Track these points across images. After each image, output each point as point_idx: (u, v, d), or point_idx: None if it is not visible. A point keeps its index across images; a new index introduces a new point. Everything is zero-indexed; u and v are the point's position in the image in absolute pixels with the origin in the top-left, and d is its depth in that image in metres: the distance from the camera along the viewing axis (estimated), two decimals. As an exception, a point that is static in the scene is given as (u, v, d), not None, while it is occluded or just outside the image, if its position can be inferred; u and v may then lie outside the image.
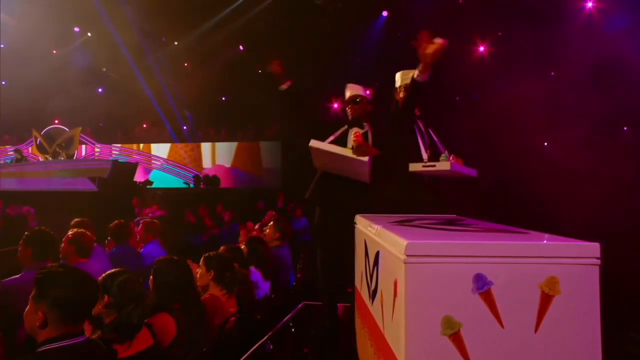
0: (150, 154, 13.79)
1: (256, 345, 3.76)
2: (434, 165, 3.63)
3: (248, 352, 3.61)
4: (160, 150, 13.72)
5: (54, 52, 16.15)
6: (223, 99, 15.81)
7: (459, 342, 2.00)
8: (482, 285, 2.01)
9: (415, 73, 3.66)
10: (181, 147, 13.62)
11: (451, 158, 3.54)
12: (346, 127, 3.91)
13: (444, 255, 2.06)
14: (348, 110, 3.99)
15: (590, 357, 1.98)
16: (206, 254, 3.56)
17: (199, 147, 13.62)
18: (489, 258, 2.05)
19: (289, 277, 5.02)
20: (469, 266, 2.02)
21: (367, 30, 14.56)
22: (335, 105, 15.01)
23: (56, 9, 13.15)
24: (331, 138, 3.80)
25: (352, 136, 3.72)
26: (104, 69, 15.71)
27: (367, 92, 3.99)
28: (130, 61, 14.03)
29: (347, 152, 3.52)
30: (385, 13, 14.41)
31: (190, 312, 2.92)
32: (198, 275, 3.46)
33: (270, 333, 3.98)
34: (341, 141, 3.80)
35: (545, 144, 10.24)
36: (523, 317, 1.99)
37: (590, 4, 10.50)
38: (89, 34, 15.74)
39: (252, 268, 4.23)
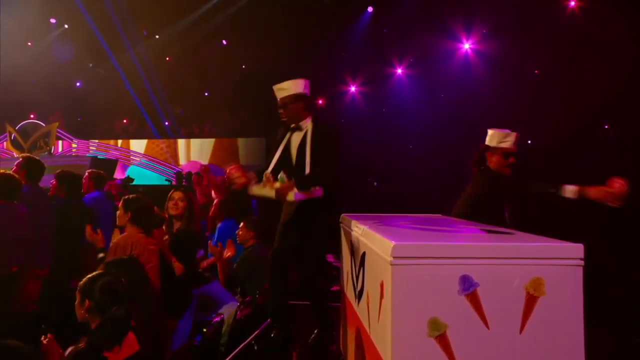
0: (129, 149, 13.60)
1: (242, 345, 3.76)
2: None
3: (233, 353, 3.62)
4: (138, 146, 13.54)
5: (29, 44, 15.80)
6: (206, 94, 15.69)
7: (445, 344, 2.03)
8: (468, 286, 2.04)
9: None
10: (160, 142, 13.46)
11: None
12: (289, 134, 3.71)
13: (430, 257, 2.09)
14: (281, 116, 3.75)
15: (574, 357, 2.03)
16: (125, 197, 3.57)
17: (175, 143, 13.46)
18: (474, 260, 2.08)
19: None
20: (455, 268, 2.05)
21: (353, 25, 14.58)
22: (320, 102, 15.02)
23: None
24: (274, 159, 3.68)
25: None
26: (91, 65, 15.40)
27: (299, 87, 3.63)
28: (110, 54, 13.83)
29: (269, 192, 3.33)
30: (370, 9, 14.44)
31: (146, 305, 2.93)
32: (117, 216, 3.54)
33: (255, 332, 3.98)
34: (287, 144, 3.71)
35: (529, 142, 10.40)
36: (508, 318, 2.03)
37: (573, 3, 10.68)
38: (66, 26, 15.45)
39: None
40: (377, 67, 14.59)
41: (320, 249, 3.70)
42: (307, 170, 3.49)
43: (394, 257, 2.06)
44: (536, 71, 11.35)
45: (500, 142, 3.77)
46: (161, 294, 3.31)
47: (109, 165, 11.49)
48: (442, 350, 2.03)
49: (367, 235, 2.68)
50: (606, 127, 10.59)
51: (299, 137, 3.64)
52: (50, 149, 12.68)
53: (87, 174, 5.31)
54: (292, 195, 3.26)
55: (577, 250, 2.06)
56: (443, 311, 2.03)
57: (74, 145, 14.16)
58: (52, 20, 15.39)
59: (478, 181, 3.87)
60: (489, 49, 11.89)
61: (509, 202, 3.83)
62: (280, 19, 13.89)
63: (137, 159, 13.53)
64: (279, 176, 3.44)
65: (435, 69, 12.96)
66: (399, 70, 14.64)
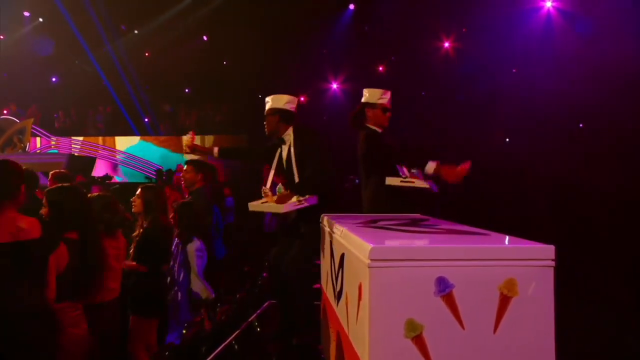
0: (115, 148, 13.35)
1: (223, 345, 3.77)
2: (413, 182, 3.89)
3: (215, 353, 3.63)
4: (123, 143, 13.30)
5: (0, 37, 15.41)
6: (187, 90, 15.55)
7: (421, 345, 2.08)
8: (444, 288, 2.09)
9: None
10: (154, 138, 13.18)
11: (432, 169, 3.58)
12: (279, 149, 3.89)
13: (407, 259, 2.13)
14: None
15: (545, 355, 2.09)
16: (89, 195, 3.48)
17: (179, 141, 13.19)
18: (450, 261, 2.13)
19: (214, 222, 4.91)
20: (431, 270, 2.09)
21: (334, 23, 14.59)
22: (302, 99, 15.01)
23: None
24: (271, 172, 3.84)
25: None
26: (77, 62, 15.04)
27: (279, 102, 3.82)
28: (86, 49, 13.56)
29: (275, 207, 3.53)
30: (352, 6, 14.47)
31: (90, 246, 2.91)
32: None
33: (237, 332, 4.00)
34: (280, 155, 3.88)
35: (507, 139, 10.58)
36: (483, 318, 2.08)
37: (549, 4, 10.87)
38: (40, 20, 15.12)
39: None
40: (358, 64, 14.63)
41: (310, 249, 3.78)
42: (297, 179, 3.64)
43: (371, 260, 2.10)
44: (514, 69, 11.53)
45: (379, 99, 4.03)
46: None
47: (87, 163, 11.31)
48: (419, 351, 2.07)
49: (345, 236, 2.71)
50: (580, 125, 10.83)
51: (286, 149, 3.82)
52: (25, 146, 12.40)
53: (50, 174, 5.12)
54: (281, 208, 3.41)
55: (548, 251, 2.13)
56: (419, 312, 2.08)
57: (52, 142, 13.85)
58: (26, 14, 15.04)
59: (361, 144, 4.06)
60: (468, 46, 12.02)
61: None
62: (261, 14, 13.83)
63: (120, 156, 13.30)
64: (277, 188, 3.66)
65: (415, 67, 13.06)
66: (380, 68, 14.72)
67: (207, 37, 15.43)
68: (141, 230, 3.80)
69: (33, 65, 14.78)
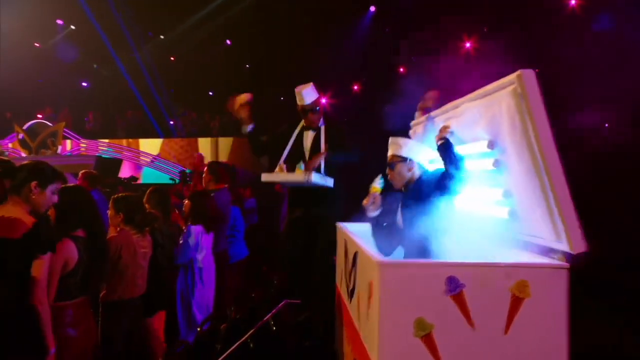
0: (139, 150, 13.56)
1: (238, 343, 3.78)
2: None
3: (229, 350, 3.63)
4: (149, 146, 13.51)
5: (37, 45, 15.86)
6: (210, 93, 15.71)
7: (431, 344, 2.04)
8: (454, 287, 2.05)
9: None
10: (179, 140, 13.35)
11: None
12: (302, 125, 4.09)
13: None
14: (304, 116, 4.09)
15: (558, 358, 2.03)
16: (114, 196, 3.57)
17: (195, 143, 13.33)
18: (461, 261, 2.09)
19: (228, 225, 4.93)
20: (441, 269, 2.06)
21: (355, 25, 14.55)
22: (324, 100, 14.99)
23: (38, 0, 12.98)
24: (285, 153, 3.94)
25: None
26: (95, 66, 15.43)
27: (323, 99, 4.20)
28: (114, 55, 13.86)
29: (294, 176, 3.69)
30: (372, 8, 14.41)
31: (95, 243, 2.94)
32: (109, 216, 3.52)
33: (252, 331, 4.00)
34: (299, 140, 4.05)
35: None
36: (493, 319, 2.04)
37: (573, 2, 10.62)
38: (72, 27, 15.50)
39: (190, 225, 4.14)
40: (379, 66, 14.55)
41: (326, 250, 3.83)
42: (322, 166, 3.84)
43: (379, 259, 2.09)
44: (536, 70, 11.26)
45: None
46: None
47: (114, 164, 11.52)
48: (428, 350, 2.04)
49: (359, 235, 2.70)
50: (606, 125, 10.52)
51: (312, 135, 4.03)
52: (57, 149, 12.72)
53: (81, 174, 5.24)
54: (310, 175, 3.60)
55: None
56: (429, 311, 2.04)
57: (82, 145, 14.16)
58: (59, 22, 15.44)
59: None
60: (489, 47, 11.82)
61: None
62: (283, 19, 13.89)
63: (148, 159, 13.50)
64: (297, 165, 3.82)
65: (436, 67, 12.90)
66: (401, 69, 14.61)
67: (230, 41, 15.57)
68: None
69: (65, 71, 15.15)
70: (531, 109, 1.97)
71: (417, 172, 2.78)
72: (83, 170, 5.86)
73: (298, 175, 3.67)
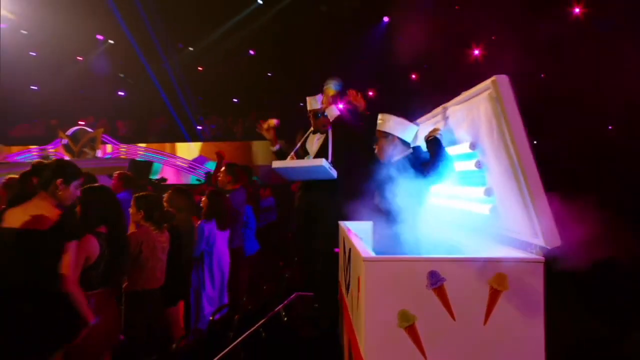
0: (175, 155, 13.75)
1: (248, 332, 3.81)
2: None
3: (238, 340, 3.66)
4: (183, 150, 13.69)
5: (79, 59, 16.30)
6: (235, 100, 15.86)
7: (414, 334, 2.04)
8: (435, 281, 2.04)
9: None
10: (215, 144, 13.39)
11: None
12: (311, 130, 4.14)
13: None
14: (311, 120, 4.17)
15: (535, 347, 2.00)
16: (136, 195, 3.65)
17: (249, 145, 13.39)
18: (442, 256, 2.08)
19: (243, 222, 4.97)
20: (423, 264, 2.05)
21: (369, 34, 14.50)
22: (341, 106, 14.96)
23: (79, 17, 13.34)
24: (297, 147, 4.06)
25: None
26: (121, 75, 15.82)
27: (340, 104, 4.16)
28: (146, 67, 14.13)
29: (304, 162, 3.71)
30: (386, 19, 14.34)
31: (116, 239, 3.00)
32: (131, 213, 3.59)
33: (262, 321, 4.03)
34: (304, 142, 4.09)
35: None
36: (473, 310, 2.02)
37: (577, 10, 10.37)
38: (111, 42, 15.87)
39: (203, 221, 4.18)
40: (394, 74, 14.47)
41: (328, 243, 3.83)
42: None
43: (364, 255, 2.09)
44: (542, 75, 11.07)
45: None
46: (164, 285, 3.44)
47: (146, 166, 11.75)
48: (411, 340, 2.04)
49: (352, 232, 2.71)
50: (610, 127, 10.25)
51: (320, 137, 4.10)
52: (96, 153, 13.05)
53: (116, 174, 5.35)
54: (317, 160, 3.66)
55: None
56: (412, 304, 2.04)
57: (122, 149, 14.45)
58: (99, 37, 15.83)
59: None
60: (497, 54, 11.64)
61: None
62: (302, 30, 13.96)
63: (182, 163, 13.69)
64: (306, 157, 3.94)
65: (445, 75, 12.78)
66: (413, 76, 14.51)
67: (253, 51, 15.70)
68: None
69: (104, 82, 15.53)
70: (506, 112, 1.94)
71: (403, 150, 2.72)
72: (117, 172, 5.98)
73: (308, 161, 3.71)
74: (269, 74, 15.84)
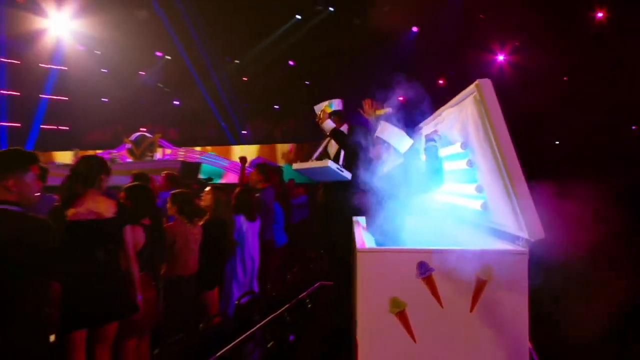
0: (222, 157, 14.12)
1: (273, 315, 3.89)
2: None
3: (264, 321, 3.74)
4: (230, 152, 14.04)
5: (141, 73, 17.05)
6: (276, 107, 16.14)
7: (404, 319, 2.04)
8: (424, 271, 2.03)
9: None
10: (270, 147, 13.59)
11: None
12: (328, 138, 4.10)
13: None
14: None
15: (519, 334, 1.96)
16: (173, 192, 3.78)
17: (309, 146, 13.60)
18: (430, 248, 2.07)
19: (273, 217, 4.99)
20: (413, 255, 2.05)
21: (400, 44, 14.38)
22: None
23: (142, 38, 14.05)
24: (319, 150, 4.02)
25: None
26: (160, 85, 16.45)
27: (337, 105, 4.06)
28: (196, 79, 14.66)
29: (316, 163, 3.74)
30: (415, 29, 14.17)
31: (156, 231, 3.20)
32: (167, 208, 3.74)
33: (287, 305, 4.10)
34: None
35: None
36: (460, 298, 2.00)
37: (600, 14, 9.85)
38: (168, 57, 16.53)
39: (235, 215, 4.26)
40: (423, 81, 14.25)
41: (343, 237, 3.84)
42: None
43: (360, 246, 2.11)
44: (565, 77, 10.60)
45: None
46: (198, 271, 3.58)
47: (195, 167, 12.15)
48: (402, 325, 2.04)
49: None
50: (633, 127, 9.67)
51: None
52: (153, 155, 13.62)
53: (163, 175, 5.48)
54: (327, 162, 3.63)
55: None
56: (402, 292, 2.04)
57: (180, 152, 14.96)
58: (158, 54, 16.51)
59: None
60: (521, 59, 11.24)
61: None
62: (337, 42, 14.01)
63: (223, 162, 14.05)
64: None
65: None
66: (440, 82, 14.26)
67: (293, 62, 15.91)
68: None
69: (161, 93, 16.21)
70: (489, 114, 1.91)
71: (395, 158, 2.66)
72: (164, 172, 6.16)
73: (318, 163, 3.73)
74: (307, 83, 16.02)
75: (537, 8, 10.11)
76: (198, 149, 14.71)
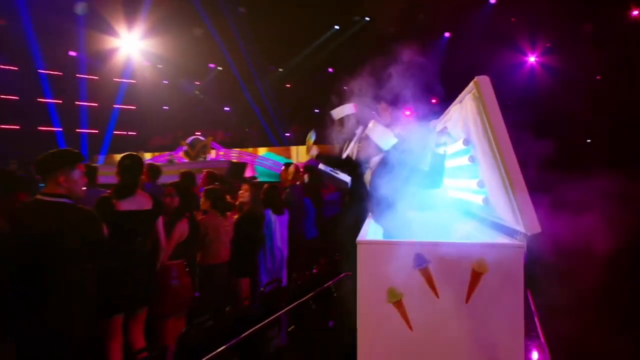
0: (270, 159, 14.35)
1: (299, 301, 3.86)
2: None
3: (291, 305, 3.72)
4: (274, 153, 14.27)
5: (197, 83, 17.64)
6: (316, 111, 16.18)
7: (401, 309, 1.96)
8: (420, 263, 1.95)
9: None
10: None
11: None
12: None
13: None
14: None
15: (514, 325, 1.83)
16: (207, 188, 3.87)
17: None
18: (427, 241, 1.98)
19: (302, 212, 4.98)
20: (410, 247, 1.96)
21: (433, 49, 13.99)
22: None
23: (197, 51, 14.59)
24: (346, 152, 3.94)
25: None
26: (196, 92, 16.94)
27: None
28: (243, 87, 14.98)
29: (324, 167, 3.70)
30: (447, 34, 13.72)
31: (193, 224, 3.34)
32: (201, 203, 3.82)
33: (312, 293, 4.06)
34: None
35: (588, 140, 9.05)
36: (456, 290, 1.90)
37: (636, 12, 9.05)
38: (220, 68, 17.01)
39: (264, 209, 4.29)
40: (456, 85, 13.81)
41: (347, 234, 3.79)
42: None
43: (359, 238, 2.05)
44: (598, 77, 9.85)
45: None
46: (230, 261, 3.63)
47: (241, 167, 12.40)
48: (399, 314, 1.96)
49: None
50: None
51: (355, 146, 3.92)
52: (206, 156, 14.07)
53: (204, 172, 5.63)
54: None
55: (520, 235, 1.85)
56: (400, 282, 1.97)
57: (233, 155, 15.35)
58: (211, 65, 17.03)
59: None
60: (552, 60, 10.57)
61: None
62: (372, 48, 13.85)
63: (265, 162, 14.27)
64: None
65: (504, 80, 11.90)
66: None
67: (332, 69, 15.89)
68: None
69: (215, 100, 16.74)
70: (487, 111, 1.79)
71: (377, 153, 2.57)
72: (205, 170, 6.25)
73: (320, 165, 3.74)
74: (345, 88, 15.95)
75: (571, 6, 9.48)
76: (249, 150, 15.01)
